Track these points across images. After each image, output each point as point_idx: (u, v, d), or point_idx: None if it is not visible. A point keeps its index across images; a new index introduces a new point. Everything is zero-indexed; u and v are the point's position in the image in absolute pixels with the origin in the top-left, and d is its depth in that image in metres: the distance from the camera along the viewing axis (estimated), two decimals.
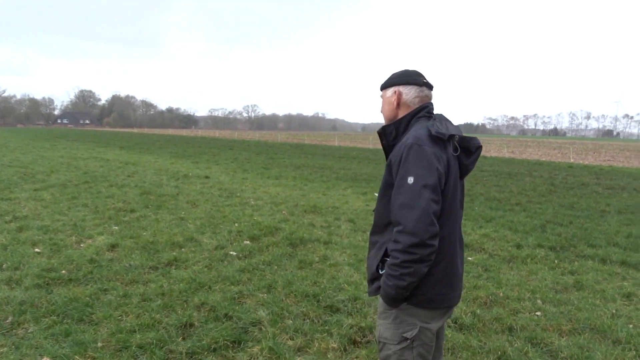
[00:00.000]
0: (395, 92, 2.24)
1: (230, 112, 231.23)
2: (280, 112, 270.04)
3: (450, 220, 2.09)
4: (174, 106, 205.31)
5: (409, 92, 2.22)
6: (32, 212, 8.51)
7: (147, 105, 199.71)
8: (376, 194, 2.49)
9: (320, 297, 4.63)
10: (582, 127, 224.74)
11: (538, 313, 4.45)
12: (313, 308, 4.38)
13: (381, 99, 2.35)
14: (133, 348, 3.54)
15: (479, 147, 2.19)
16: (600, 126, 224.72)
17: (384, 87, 2.32)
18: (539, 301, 4.76)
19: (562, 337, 3.95)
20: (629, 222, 9.09)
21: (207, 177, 14.51)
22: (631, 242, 7.26)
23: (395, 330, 2.10)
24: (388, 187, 2.12)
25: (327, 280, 5.20)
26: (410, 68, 2.30)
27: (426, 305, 2.08)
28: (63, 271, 5.31)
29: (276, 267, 5.63)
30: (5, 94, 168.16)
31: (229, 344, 3.66)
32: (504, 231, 7.86)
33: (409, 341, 2.08)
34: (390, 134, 2.26)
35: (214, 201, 10.07)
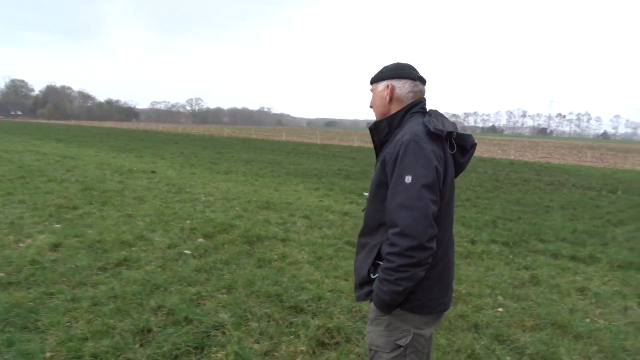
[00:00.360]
0: (387, 86, 2.12)
1: (173, 105, 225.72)
2: (225, 106, 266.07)
3: (446, 221, 1.99)
4: (114, 98, 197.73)
5: (402, 87, 2.10)
6: None
7: (85, 96, 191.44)
8: (365, 194, 2.35)
9: (284, 297, 4.49)
10: (519, 125, 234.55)
11: (500, 309, 4.49)
12: (277, 309, 4.22)
13: (371, 93, 2.22)
14: (86, 357, 3.27)
15: (474, 145, 2.11)
16: (536, 124, 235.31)
17: (375, 80, 2.19)
18: (499, 297, 4.81)
19: (526, 333, 3.99)
20: (573, 217, 9.46)
21: (153, 172, 13.97)
22: (577, 237, 7.52)
23: (388, 337, 1.99)
24: (381, 186, 2.00)
25: (288, 280, 5.05)
26: (403, 61, 2.18)
27: (420, 311, 1.98)
28: (1, 274, 4.90)
29: (235, 266, 5.42)
30: None
31: (191, 349, 3.45)
32: (457, 227, 7.96)
33: (402, 349, 1.97)
34: (383, 130, 2.13)
35: (163, 197, 9.68)
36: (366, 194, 2.25)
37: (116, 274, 5.04)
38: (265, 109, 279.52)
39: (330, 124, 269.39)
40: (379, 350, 2.01)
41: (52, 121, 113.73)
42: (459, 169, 2.11)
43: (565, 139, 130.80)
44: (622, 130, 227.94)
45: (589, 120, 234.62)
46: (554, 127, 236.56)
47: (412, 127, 1.97)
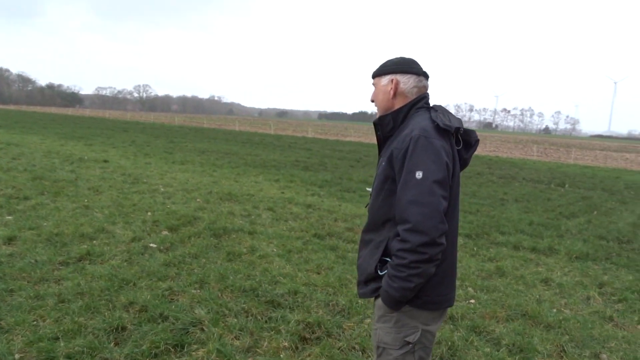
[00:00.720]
0: (392, 80, 2.09)
1: (119, 92, 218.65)
2: (174, 94, 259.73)
3: (454, 217, 1.99)
4: (56, 82, 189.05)
5: (407, 82, 2.07)
6: None
7: (24, 79, 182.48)
8: (368, 189, 2.32)
9: (259, 292, 4.42)
10: (466, 119, 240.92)
11: (472, 301, 4.59)
12: (254, 304, 4.15)
13: (373, 87, 2.19)
14: (60, 358, 3.11)
15: (477, 141, 2.11)
16: (482, 119, 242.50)
17: (377, 74, 2.15)
18: (470, 289, 4.92)
19: (500, 324, 4.10)
20: (527, 210, 9.80)
21: (105, 161, 13.46)
22: (534, 230, 7.80)
23: (396, 334, 1.98)
24: (388, 181, 1.98)
25: (260, 273, 4.98)
26: (406, 56, 2.16)
27: (428, 307, 1.97)
28: None
29: (204, 260, 5.29)
30: None
31: (170, 348, 3.34)
32: None
33: (410, 345, 1.97)
34: (387, 124, 2.11)
35: (119, 188, 9.34)
36: (369, 189, 2.22)
37: (79, 269, 4.82)
38: (216, 98, 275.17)
39: (282, 114, 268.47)
40: (388, 347, 2.00)
41: None
42: (464, 164, 2.11)
43: (510, 134, 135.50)
44: (562, 125, 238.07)
45: (532, 115, 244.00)
46: (499, 122, 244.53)
47: (420, 123, 1.96)
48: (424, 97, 2.10)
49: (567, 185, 14.80)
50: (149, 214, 7.24)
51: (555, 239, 7.26)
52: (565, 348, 3.70)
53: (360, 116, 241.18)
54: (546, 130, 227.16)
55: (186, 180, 10.82)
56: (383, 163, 2.02)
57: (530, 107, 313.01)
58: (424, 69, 2.13)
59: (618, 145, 78.14)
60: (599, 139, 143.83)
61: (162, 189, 9.47)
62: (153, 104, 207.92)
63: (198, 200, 8.62)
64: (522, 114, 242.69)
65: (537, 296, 4.83)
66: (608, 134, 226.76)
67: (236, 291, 4.43)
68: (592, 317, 4.38)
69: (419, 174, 1.83)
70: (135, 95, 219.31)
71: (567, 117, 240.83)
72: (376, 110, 2.21)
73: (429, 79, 2.15)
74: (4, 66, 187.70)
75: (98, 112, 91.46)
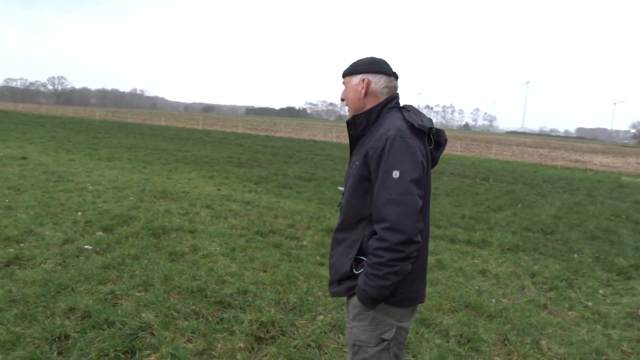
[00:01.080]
0: (363, 80, 2.10)
1: (31, 84, 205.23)
2: (92, 87, 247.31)
3: (427, 215, 2.04)
4: None
5: (378, 82, 2.09)
6: None
7: None
8: (340, 188, 2.32)
9: (207, 292, 4.31)
10: None
11: None
12: (203, 305, 4.05)
13: (344, 86, 2.19)
14: None
15: (446, 140, 2.17)
16: None
17: (348, 73, 2.15)
18: None
19: (446, 316, 4.25)
20: (458, 204, 10.23)
21: (24, 157, 12.60)
22: (467, 223, 8.16)
23: (372, 332, 1.99)
24: (363, 180, 1.98)
25: (205, 273, 4.86)
26: (376, 56, 2.17)
27: (403, 304, 2.00)
28: None
29: (145, 261, 5.09)
30: None
31: (120, 354, 3.18)
32: None
33: (386, 342, 1.99)
34: (360, 124, 2.12)
35: (43, 186, 8.77)
36: (341, 188, 2.22)
37: (9, 274, 4.48)
38: (138, 92, 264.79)
39: (208, 109, 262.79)
40: (364, 345, 2.01)
41: None
42: (434, 162, 2.17)
43: None
44: (480, 122, 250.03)
45: (452, 112, 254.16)
46: None
47: (395, 122, 1.98)
48: (394, 97, 2.13)
49: (491, 180, 15.58)
50: (79, 213, 6.86)
51: (487, 231, 7.64)
52: (507, 336, 3.89)
53: (288, 112, 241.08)
54: (466, 126, 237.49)
55: (115, 178, 10.35)
56: (357, 162, 2.03)
57: (451, 104, 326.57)
58: (394, 70, 2.15)
59: (532, 141, 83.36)
60: (514, 135, 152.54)
61: (90, 187, 9.00)
62: (69, 97, 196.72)
63: (131, 198, 8.27)
64: (443, 111, 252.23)
65: (477, 287, 5.05)
66: (522, 130, 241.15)
67: (183, 292, 4.30)
68: (529, 306, 4.65)
69: (395, 174, 1.86)
70: (50, 87, 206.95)
71: (485, 114, 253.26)
72: (346, 110, 2.22)
73: (398, 79, 2.18)
74: None
75: (8, 105, 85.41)
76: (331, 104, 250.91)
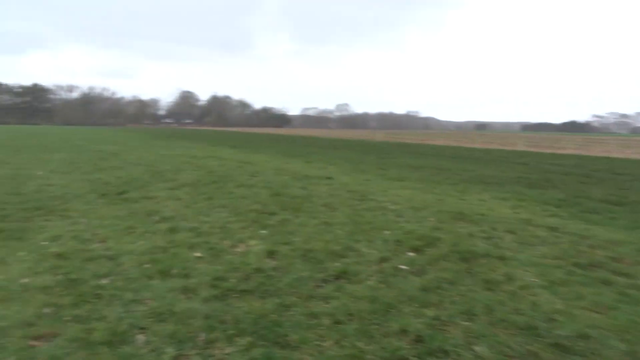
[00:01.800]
0: None
1: (322, 111, 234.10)
2: (371, 111, 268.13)
3: None
4: (268, 105, 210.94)
5: None
6: (176, 212, 8.49)
7: (243, 105, 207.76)
8: None
9: (539, 331, 3.91)
10: None
11: None
12: (540, 346, 3.67)
13: None
14: None
15: None
16: None
17: None
18: None
19: None
20: None
21: (328, 177, 14.12)
22: None
23: None
24: None
25: (529, 307, 4.45)
26: None
27: None
28: (232, 280, 5.01)
29: (462, 287, 4.95)
30: (116, 96, 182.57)
31: None
32: None
33: None
34: None
35: (350, 204, 9.58)
36: None
37: (339, 287, 4.87)
38: (412, 113, 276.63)
39: (481, 126, 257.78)
40: None
41: (216, 128, 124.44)
42: None
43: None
44: None
45: None
46: None
47: None
48: None
49: None
50: (387, 232, 7.20)
51: None
52: None
53: (571, 126, 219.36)
54: None
55: (410, 198, 10.68)
56: None
57: None
58: None
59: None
60: None
61: (390, 207, 9.45)
62: (352, 122, 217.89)
63: (430, 219, 8.36)
64: None
65: None
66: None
67: (510, 327, 3.99)
68: None
69: None
70: (337, 113, 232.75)
71: None
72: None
73: None
74: (227, 94, 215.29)
75: (305, 131, 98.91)
76: (623, 116, 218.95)
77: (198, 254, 5.91)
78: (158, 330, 3.85)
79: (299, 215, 8.35)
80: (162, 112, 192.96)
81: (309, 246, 6.28)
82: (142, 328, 3.89)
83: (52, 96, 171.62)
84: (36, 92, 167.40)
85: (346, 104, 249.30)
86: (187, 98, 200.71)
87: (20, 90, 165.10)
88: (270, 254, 5.99)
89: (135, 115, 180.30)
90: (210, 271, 5.23)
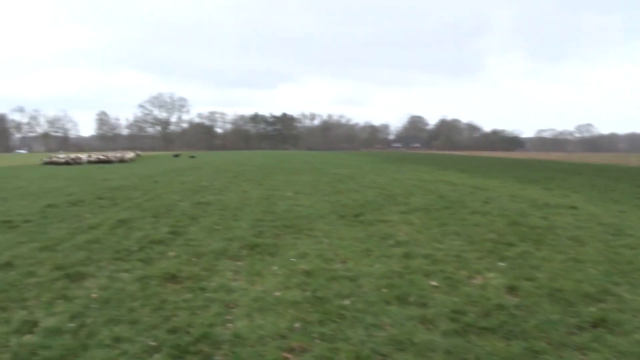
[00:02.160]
0: None
1: (560, 133, 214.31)
2: (620, 131, 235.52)
3: None
4: (498, 128, 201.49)
5: None
6: (410, 237, 8.56)
7: (472, 127, 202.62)
8: None
9: None
10: None
11: None
12: None
13: None
14: None
15: None
16: None
17: None
18: None
19: None
20: None
21: (573, 207, 12.70)
22: None
23: None
24: None
25: None
26: None
27: None
28: (471, 314, 4.78)
29: None
30: (352, 122, 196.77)
31: None
32: None
33: None
34: None
35: (602, 239, 8.43)
36: None
37: (597, 337, 4.26)
38: None
39: None
40: None
41: (444, 151, 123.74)
42: None
43: None
44: None
45: None
46: None
47: None
48: None
49: None
50: None
51: None
52: None
53: None
54: None
55: None
56: None
57: None
58: None
59: None
60: None
61: None
62: (596, 144, 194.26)
63: None
64: None
65: None
66: None
67: None
68: None
69: None
70: (577, 135, 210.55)
71: None
72: None
73: None
74: (455, 117, 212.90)
75: (540, 154, 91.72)
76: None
77: (434, 283, 5.82)
78: (398, 359, 3.86)
79: (541, 248, 7.65)
80: (391, 137, 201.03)
81: (557, 285, 5.67)
82: (383, 355, 3.95)
83: (297, 124, 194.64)
84: (285, 121, 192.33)
85: (589, 124, 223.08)
86: (415, 122, 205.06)
87: (272, 119, 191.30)
88: (511, 289, 5.58)
89: (367, 140, 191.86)
90: (448, 303, 5.09)
